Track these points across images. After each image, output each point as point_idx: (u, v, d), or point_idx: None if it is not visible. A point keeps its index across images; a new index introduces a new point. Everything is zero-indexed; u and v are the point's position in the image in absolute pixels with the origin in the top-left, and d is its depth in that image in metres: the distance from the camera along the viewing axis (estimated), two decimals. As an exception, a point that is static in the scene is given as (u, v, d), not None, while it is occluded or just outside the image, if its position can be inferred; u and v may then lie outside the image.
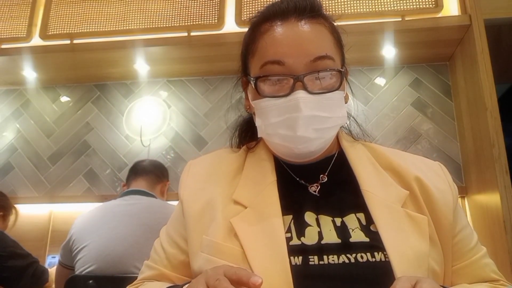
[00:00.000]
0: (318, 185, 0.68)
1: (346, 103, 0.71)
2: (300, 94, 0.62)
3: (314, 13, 0.66)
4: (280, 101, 0.63)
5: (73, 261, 1.49)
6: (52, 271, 1.73)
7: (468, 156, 2.00)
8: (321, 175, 0.69)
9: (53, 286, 1.69)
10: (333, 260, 0.57)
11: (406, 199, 0.64)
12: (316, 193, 0.67)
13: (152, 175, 1.76)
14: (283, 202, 0.64)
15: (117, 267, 1.41)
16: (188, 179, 0.72)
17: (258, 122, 0.68)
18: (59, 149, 2.47)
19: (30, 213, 2.35)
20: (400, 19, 1.99)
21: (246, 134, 0.80)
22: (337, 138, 0.75)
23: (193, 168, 0.74)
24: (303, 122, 0.62)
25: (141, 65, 2.32)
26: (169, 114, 2.40)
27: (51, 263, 2.20)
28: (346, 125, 0.77)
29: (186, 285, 0.55)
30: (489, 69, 1.78)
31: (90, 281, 1.38)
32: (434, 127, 2.17)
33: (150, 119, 2.39)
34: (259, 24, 0.69)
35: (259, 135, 0.69)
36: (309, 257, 0.58)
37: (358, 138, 0.77)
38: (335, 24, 0.70)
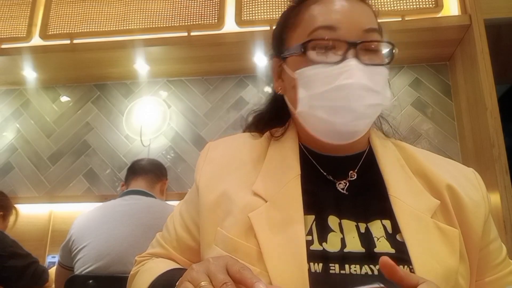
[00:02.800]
0: (347, 182, 0.63)
1: None
2: (353, 62, 0.57)
3: None
4: (331, 68, 0.58)
5: (72, 261, 1.49)
6: (52, 271, 1.73)
7: (468, 156, 1.99)
8: (350, 172, 0.64)
9: (53, 286, 1.69)
10: (355, 271, 0.54)
11: (436, 210, 0.60)
12: (344, 191, 0.62)
13: (152, 174, 1.76)
14: (306, 199, 0.60)
15: (117, 267, 1.41)
16: (206, 164, 0.68)
17: (301, 93, 0.61)
18: (59, 149, 2.47)
19: (30, 213, 2.35)
20: (400, 19, 1.98)
21: (274, 117, 0.73)
22: (368, 133, 0.69)
23: (211, 152, 0.69)
24: (357, 93, 0.57)
25: (141, 65, 2.32)
26: (169, 114, 2.40)
27: (51, 263, 2.20)
28: (377, 120, 0.72)
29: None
30: (489, 69, 1.78)
31: (90, 281, 1.38)
32: (434, 127, 2.17)
33: (150, 119, 2.39)
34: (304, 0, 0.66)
35: (298, 109, 0.62)
36: (330, 265, 0.54)
37: (389, 136, 0.72)
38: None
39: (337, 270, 0.54)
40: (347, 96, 0.57)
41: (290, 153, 0.65)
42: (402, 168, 0.64)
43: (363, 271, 0.54)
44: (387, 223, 0.58)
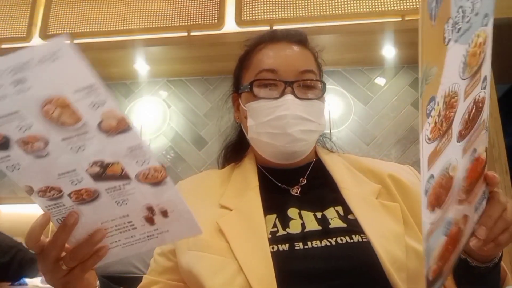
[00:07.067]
0: (299, 187, 0.76)
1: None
2: (290, 97, 0.72)
3: (301, 41, 0.80)
4: (272, 102, 0.73)
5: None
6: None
7: (468, 156, 1.99)
8: (300, 179, 0.77)
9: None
10: (316, 244, 0.64)
11: (380, 192, 0.73)
12: (298, 194, 0.75)
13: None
14: (266, 204, 0.71)
15: (116, 267, 1.41)
16: None
17: (250, 122, 0.76)
18: (59, 149, 2.47)
19: (30, 213, 2.35)
20: (400, 19, 1.98)
21: (234, 153, 0.87)
22: (314, 150, 0.83)
23: (183, 185, 0.80)
24: (292, 121, 0.72)
25: (141, 65, 2.32)
26: (169, 114, 2.40)
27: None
28: (320, 140, 0.86)
29: None
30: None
31: (90, 281, 1.38)
32: (434, 127, 2.17)
33: (150, 119, 2.39)
34: (255, 45, 0.82)
35: (249, 135, 0.77)
36: (295, 243, 0.65)
37: (333, 151, 0.86)
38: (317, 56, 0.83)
39: (301, 247, 0.65)
40: (284, 124, 0.72)
41: (249, 172, 0.78)
42: (347, 168, 0.79)
43: (323, 244, 0.64)
44: (339, 208, 0.71)
